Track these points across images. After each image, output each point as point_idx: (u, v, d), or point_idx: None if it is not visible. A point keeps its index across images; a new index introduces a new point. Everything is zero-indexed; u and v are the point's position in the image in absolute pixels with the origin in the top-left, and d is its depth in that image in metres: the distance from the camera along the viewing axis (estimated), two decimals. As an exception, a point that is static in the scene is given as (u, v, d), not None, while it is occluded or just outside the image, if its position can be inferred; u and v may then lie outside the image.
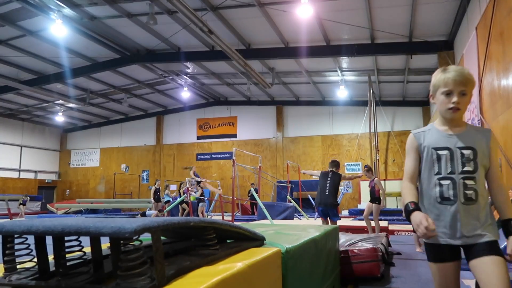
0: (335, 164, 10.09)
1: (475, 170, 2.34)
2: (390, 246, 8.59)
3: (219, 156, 27.65)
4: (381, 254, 5.94)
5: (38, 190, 29.32)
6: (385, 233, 9.73)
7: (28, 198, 23.95)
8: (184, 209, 18.42)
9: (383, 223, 13.17)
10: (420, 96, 22.72)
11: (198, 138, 28.45)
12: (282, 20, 14.51)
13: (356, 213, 19.33)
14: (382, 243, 6.85)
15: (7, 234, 1.89)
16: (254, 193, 14.93)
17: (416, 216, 2.21)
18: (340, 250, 5.46)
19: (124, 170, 29.42)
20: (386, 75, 19.61)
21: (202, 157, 28.12)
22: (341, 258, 5.38)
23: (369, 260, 5.48)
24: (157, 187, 19.16)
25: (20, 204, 22.95)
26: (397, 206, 20.62)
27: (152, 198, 19.13)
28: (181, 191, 18.52)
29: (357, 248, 5.60)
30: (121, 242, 1.76)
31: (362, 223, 11.53)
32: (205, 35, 14.02)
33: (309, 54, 16.52)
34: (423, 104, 23.02)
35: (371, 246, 5.62)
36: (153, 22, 12.88)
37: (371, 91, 17.65)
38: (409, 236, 12.64)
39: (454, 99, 2.36)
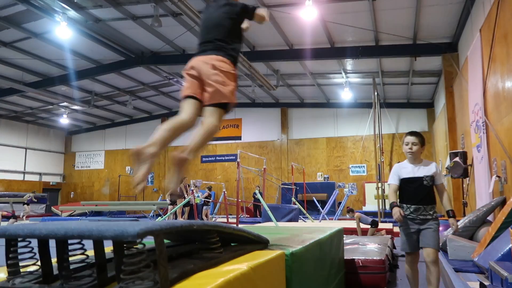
0: None
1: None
2: (395, 248, 8.58)
3: (223, 158, 27.64)
4: (388, 264, 5.93)
5: (43, 192, 29.31)
6: (390, 235, 9.74)
7: (33, 196, 23.86)
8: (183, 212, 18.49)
9: (388, 225, 13.15)
10: (425, 98, 22.69)
11: (203, 140, 28.38)
12: (287, 22, 14.52)
13: (360, 215, 19.29)
14: (388, 246, 6.84)
15: (11, 238, 1.89)
16: (259, 195, 14.93)
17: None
18: (347, 258, 5.46)
19: (129, 172, 29.46)
20: (390, 77, 19.60)
21: (207, 159, 28.13)
22: (348, 267, 5.39)
23: (376, 272, 5.48)
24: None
25: (25, 203, 22.97)
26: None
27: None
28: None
29: (364, 257, 5.56)
30: (124, 245, 1.76)
31: (367, 226, 11.54)
32: (209, 38, 14.04)
33: (314, 56, 16.52)
34: (428, 106, 22.98)
35: (379, 257, 5.58)
36: (157, 24, 12.92)
37: (376, 93, 17.59)
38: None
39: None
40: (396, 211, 4.30)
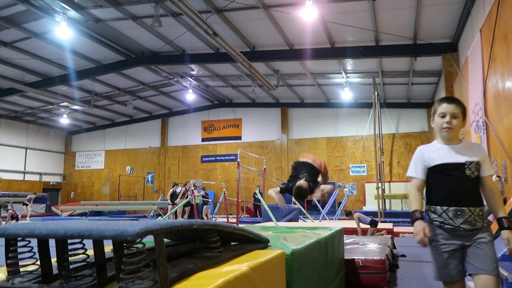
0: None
1: None
2: (395, 248, 8.58)
3: (224, 158, 27.64)
4: (388, 264, 5.92)
5: (43, 192, 29.31)
6: (390, 235, 9.74)
7: (33, 197, 23.87)
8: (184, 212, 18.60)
9: (388, 225, 13.15)
10: (425, 98, 22.66)
11: (203, 140, 28.45)
12: (287, 22, 14.51)
13: (360, 215, 19.29)
14: (388, 246, 6.83)
15: (10, 237, 1.89)
16: (259, 195, 14.92)
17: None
18: (348, 258, 5.46)
19: (129, 172, 29.47)
20: (390, 77, 19.58)
21: (207, 159, 28.13)
22: (349, 267, 5.40)
23: (376, 272, 5.47)
24: (175, 190, 19.42)
25: (24, 204, 23.03)
26: (402, 208, 20.58)
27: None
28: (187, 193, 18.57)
29: (364, 257, 5.56)
30: (124, 245, 1.76)
31: (367, 226, 11.55)
32: (209, 37, 14.06)
33: (314, 56, 16.51)
34: (428, 106, 22.92)
35: (379, 257, 5.57)
36: (158, 24, 12.90)
37: (376, 93, 17.59)
38: (414, 238, 12.59)
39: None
40: (419, 230, 2.76)
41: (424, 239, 2.73)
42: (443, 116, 2.88)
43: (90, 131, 31.68)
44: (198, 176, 26.84)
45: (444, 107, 2.89)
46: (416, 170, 2.95)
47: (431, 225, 2.89)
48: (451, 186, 2.82)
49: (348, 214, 12.91)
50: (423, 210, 2.92)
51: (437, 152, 2.91)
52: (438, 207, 2.85)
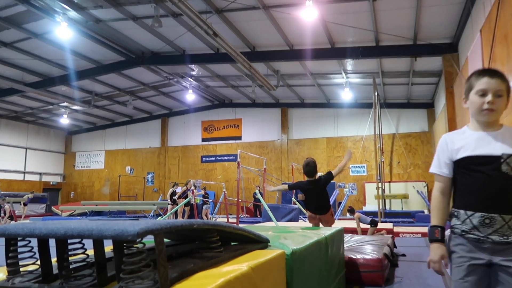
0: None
1: None
2: (396, 247, 8.58)
3: (224, 158, 27.63)
4: (386, 262, 5.95)
5: (43, 192, 29.30)
6: (390, 235, 9.75)
7: (30, 196, 23.84)
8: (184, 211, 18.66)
9: (388, 225, 13.15)
10: (425, 98, 22.67)
11: (203, 140, 28.44)
12: (287, 22, 14.50)
13: (361, 216, 19.27)
14: (388, 245, 6.84)
15: (11, 237, 1.89)
16: (259, 195, 14.92)
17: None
18: (346, 255, 5.49)
19: (129, 172, 29.47)
20: (390, 77, 19.58)
21: (207, 159, 28.12)
22: (347, 266, 5.41)
23: (374, 270, 5.51)
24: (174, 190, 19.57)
25: (23, 204, 23.03)
26: (402, 208, 20.59)
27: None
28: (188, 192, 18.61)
29: (363, 256, 5.61)
30: (124, 244, 1.76)
31: (367, 226, 11.56)
32: (210, 38, 14.06)
33: (314, 57, 16.50)
34: (428, 106, 22.95)
35: (376, 256, 5.61)
36: (158, 24, 12.89)
37: (376, 93, 17.57)
38: (414, 238, 12.62)
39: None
40: (436, 258, 2.21)
41: (438, 267, 2.20)
42: (483, 94, 2.18)
43: (90, 131, 31.69)
44: (198, 176, 26.82)
45: (484, 82, 2.18)
46: (439, 165, 2.30)
47: (452, 234, 2.25)
48: (478, 185, 2.15)
49: (351, 211, 12.94)
50: (448, 222, 2.29)
51: (465, 141, 2.23)
52: (462, 211, 2.20)
